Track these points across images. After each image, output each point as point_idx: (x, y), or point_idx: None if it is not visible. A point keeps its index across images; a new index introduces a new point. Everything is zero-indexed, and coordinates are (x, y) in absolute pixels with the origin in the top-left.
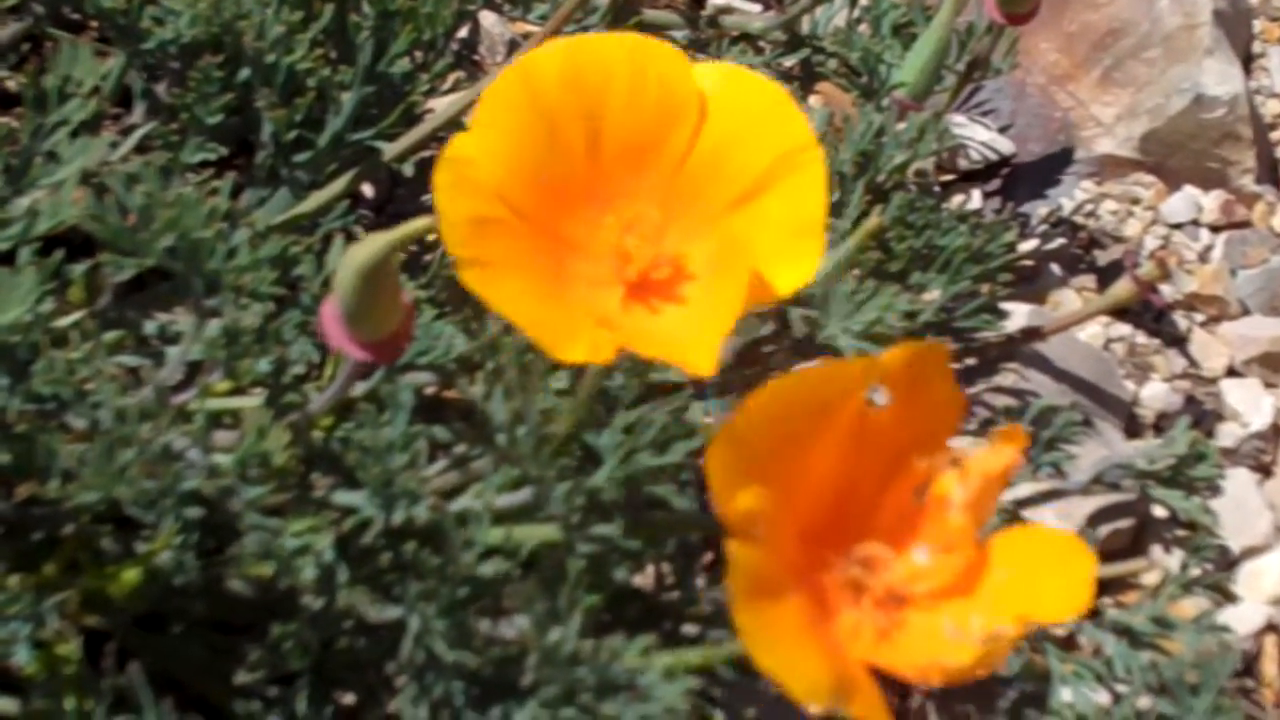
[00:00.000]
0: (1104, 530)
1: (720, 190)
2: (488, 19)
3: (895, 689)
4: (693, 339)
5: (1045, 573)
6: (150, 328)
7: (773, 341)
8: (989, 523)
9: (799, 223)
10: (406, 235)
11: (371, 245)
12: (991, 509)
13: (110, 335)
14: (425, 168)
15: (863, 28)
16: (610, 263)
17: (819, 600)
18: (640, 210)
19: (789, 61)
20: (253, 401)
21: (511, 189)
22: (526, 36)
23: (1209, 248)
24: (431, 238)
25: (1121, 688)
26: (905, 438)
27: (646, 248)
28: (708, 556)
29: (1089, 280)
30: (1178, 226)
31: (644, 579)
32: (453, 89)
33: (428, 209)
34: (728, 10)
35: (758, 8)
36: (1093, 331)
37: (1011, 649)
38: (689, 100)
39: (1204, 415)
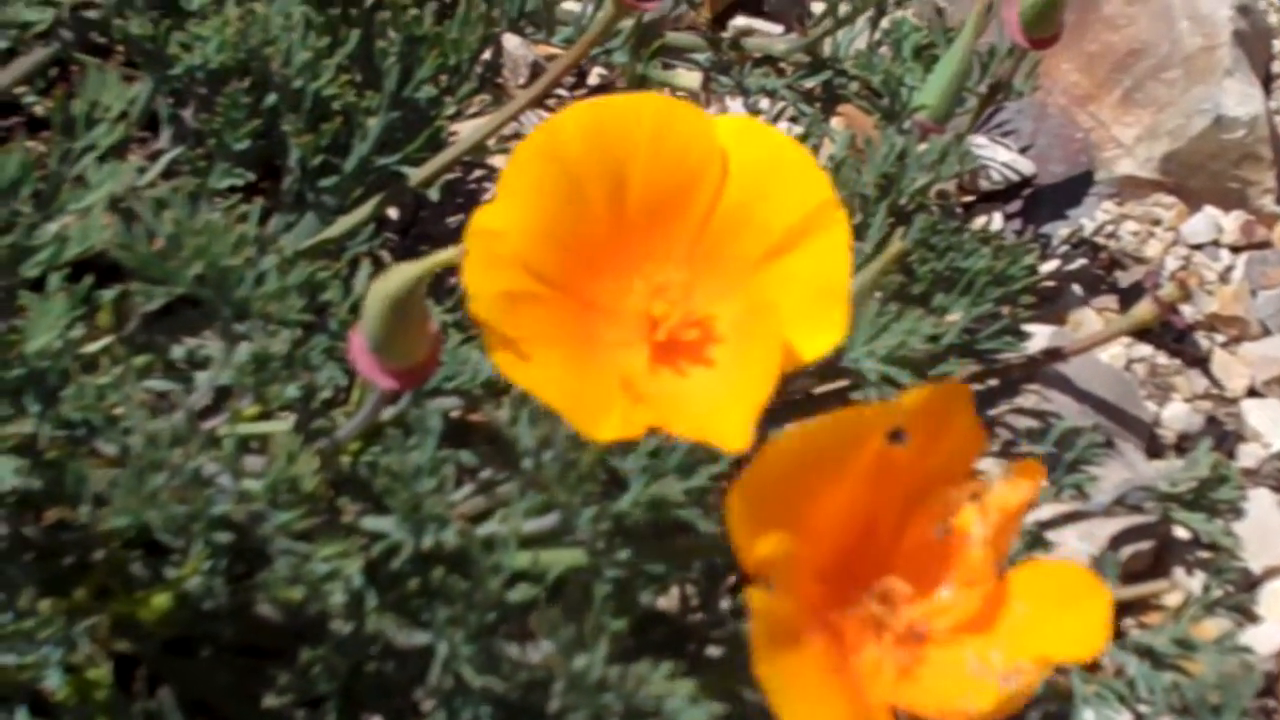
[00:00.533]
0: (1126, 552)
1: (744, 249)
2: (511, 41)
3: None
4: (725, 412)
5: (1063, 610)
6: (178, 353)
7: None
8: (1010, 551)
9: (824, 285)
10: (434, 265)
11: (400, 275)
12: (1011, 543)
13: (139, 360)
14: (449, 190)
15: (884, 50)
16: (638, 326)
17: (839, 639)
18: (667, 273)
19: (811, 84)
20: (282, 426)
21: (538, 257)
22: (550, 59)
23: (1229, 268)
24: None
25: (1144, 709)
26: (924, 474)
27: (674, 310)
28: (732, 578)
29: (1110, 301)
30: (1198, 247)
31: (668, 601)
32: (478, 113)
33: (453, 231)
34: (749, 32)
35: (779, 29)
36: (1114, 352)
37: (1032, 691)
38: (711, 158)
39: (1225, 436)
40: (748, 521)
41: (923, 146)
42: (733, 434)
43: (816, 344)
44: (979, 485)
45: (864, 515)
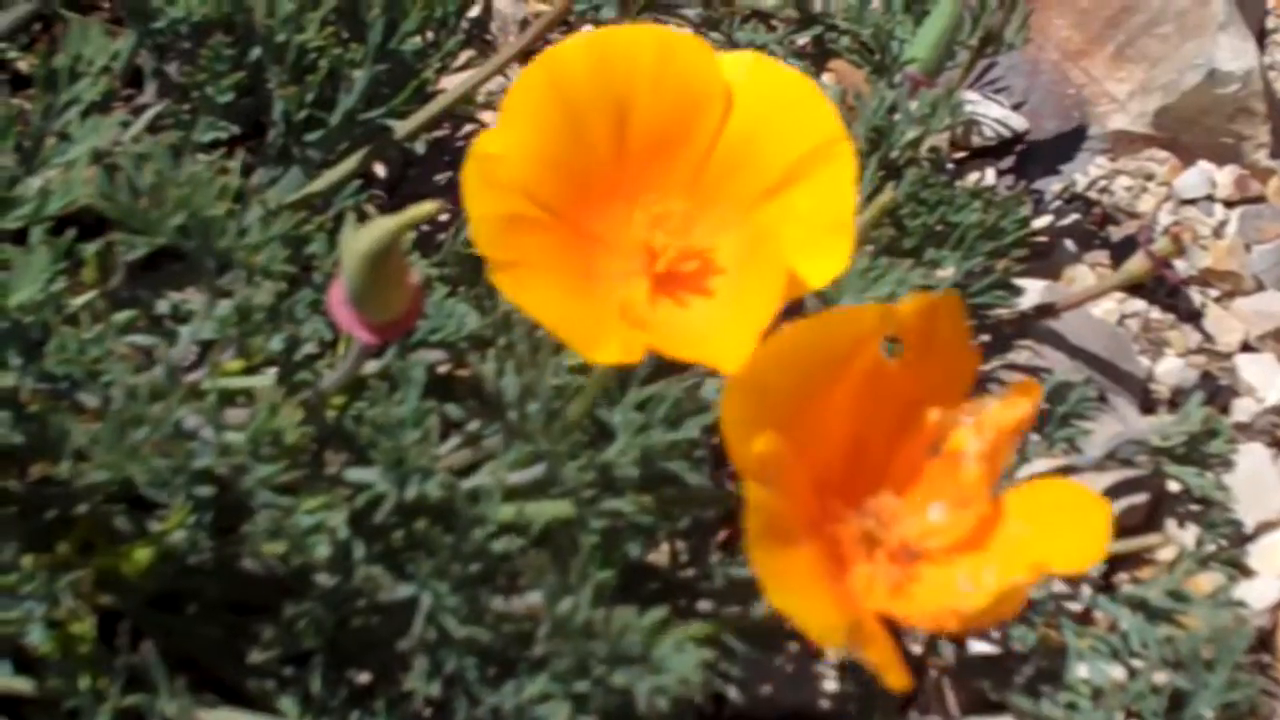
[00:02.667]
0: (1119, 506)
1: (748, 183)
2: None
3: (910, 666)
4: (724, 336)
5: (1060, 524)
6: (162, 307)
7: (785, 317)
8: (1003, 482)
9: (830, 216)
10: (412, 219)
11: (377, 229)
12: (1006, 463)
13: (122, 315)
14: (437, 146)
15: (874, 4)
16: (637, 257)
17: (833, 552)
18: (667, 204)
19: (801, 39)
20: (265, 380)
21: (538, 185)
22: (538, 15)
23: (1223, 223)
24: (443, 217)
25: (1137, 663)
26: (919, 390)
27: (674, 242)
28: (722, 534)
29: (1103, 256)
30: (1192, 202)
31: (658, 556)
32: (464, 67)
33: (440, 189)
34: None
35: None
36: (1107, 308)
37: (1025, 598)
38: (715, 91)
39: (1219, 391)
40: (743, 419)
41: (914, 101)
42: (732, 357)
43: (820, 272)
44: (974, 404)
45: (859, 430)
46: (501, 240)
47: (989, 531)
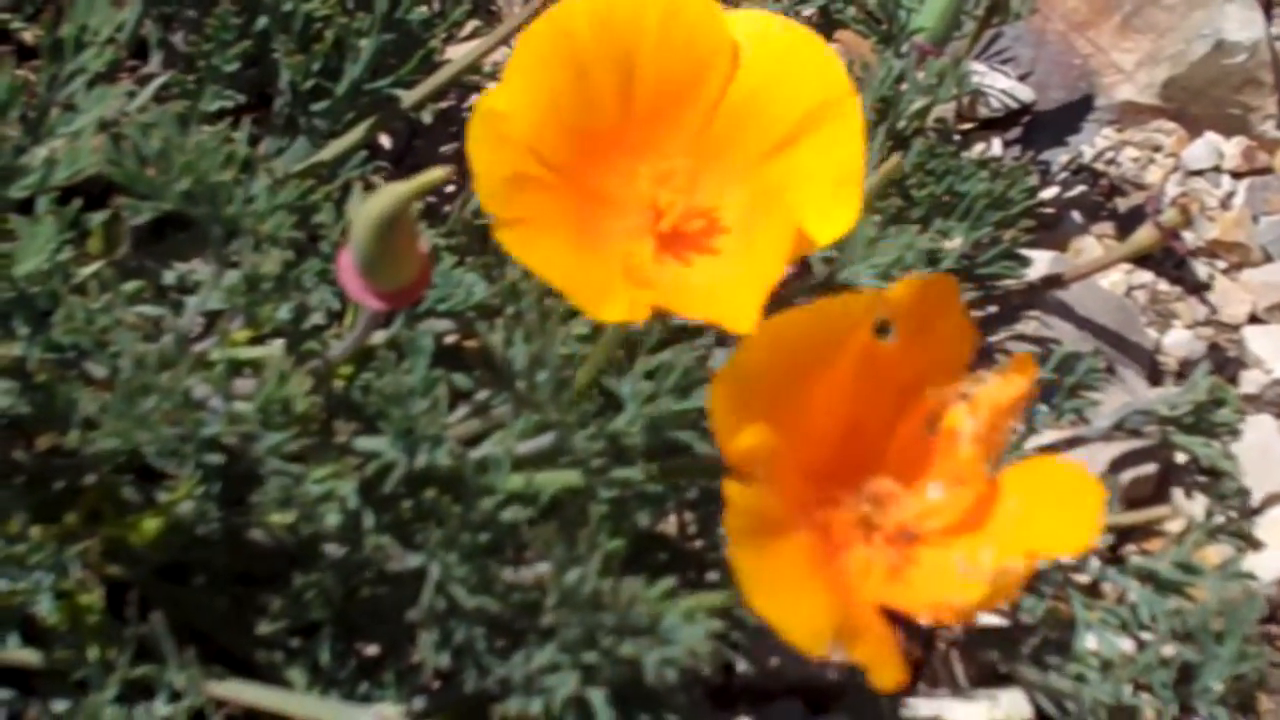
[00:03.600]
0: (1127, 476)
1: (754, 140)
2: None
3: (919, 638)
4: (732, 294)
5: (1055, 506)
6: (169, 277)
7: (792, 284)
8: (1003, 457)
9: (837, 172)
10: (421, 186)
11: (386, 196)
12: (1003, 441)
13: (129, 285)
14: (443, 117)
15: None
16: (643, 215)
17: (828, 538)
18: (673, 162)
19: (808, 10)
20: (273, 350)
21: (544, 142)
22: None
23: (1230, 194)
24: (450, 187)
25: (1146, 635)
26: (914, 371)
27: (679, 199)
28: None
29: (1110, 228)
30: (1199, 173)
31: (667, 527)
32: (471, 37)
33: (446, 159)
34: None
35: None
36: (1114, 279)
37: (1020, 584)
38: (721, 47)
39: (1227, 362)
40: (731, 411)
41: (920, 71)
42: (741, 314)
43: (829, 228)
44: (970, 383)
45: (852, 413)
46: (507, 197)
47: (986, 511)
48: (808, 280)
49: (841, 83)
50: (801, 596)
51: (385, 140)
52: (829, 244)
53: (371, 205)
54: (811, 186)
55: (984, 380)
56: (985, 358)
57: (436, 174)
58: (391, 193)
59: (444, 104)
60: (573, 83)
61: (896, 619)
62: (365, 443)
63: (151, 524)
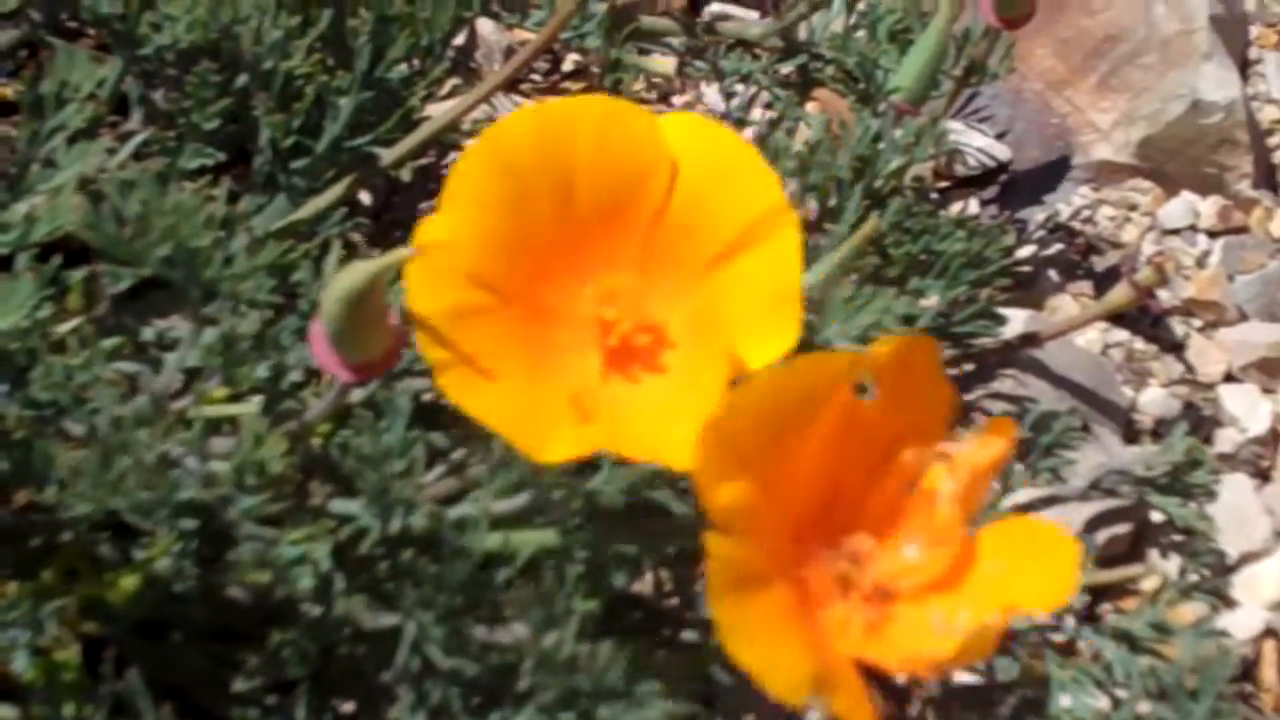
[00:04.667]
0: (1102, 536)
1: (695, 252)
2: (485, 26)
3: (894, 696)
4: (672, 430)
5: (1031, 564)
6: (148, 334)
7: None
8: (980, 516)
9: (775, 290)
10: (391, 264)
11: (356, 273)
12: (981, 502)
13: (108, 342)
14: (422, 173)
15: (860, 34)
16: (589, 331)
17: (805, 594)
18: (617, 278)
19: (786, 68)
20: (250, 408)
21: (486, 266)
22: (523, 43)
23: (1206, 253)
24: None
25: (1121, 693)
26: (894, 430)
27: (625, 317)
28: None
29: (1086, 286)
30: (1175, 232)
31: (643, 586)
32: (450, 94)
33: (424, 215)
34: (724, 17)
35: (754, 14)
36: (1090, 337)
37: (996, 641)
38: (658, 160)
39: (1202, 421)
40: (713, 467)
41: (898, 130)
42: (677, 452)
43: (767, 350)
44: (949, 444)
45: (832, 470)
46: (449, 335)
47: (963, 571)
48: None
49: (775, 196)
50: (780, 647)
51: (365, 196)
52: (764, 366)
53: (341, 281)
54: (749, 305)
55: (963, 441)
56: (962, 416)
57: (405, 253)
58: (361, 270)
59: (423, 160)
60: (511, 203)
61: (873, 678)
62: (340, 506)
63: (128, 581)
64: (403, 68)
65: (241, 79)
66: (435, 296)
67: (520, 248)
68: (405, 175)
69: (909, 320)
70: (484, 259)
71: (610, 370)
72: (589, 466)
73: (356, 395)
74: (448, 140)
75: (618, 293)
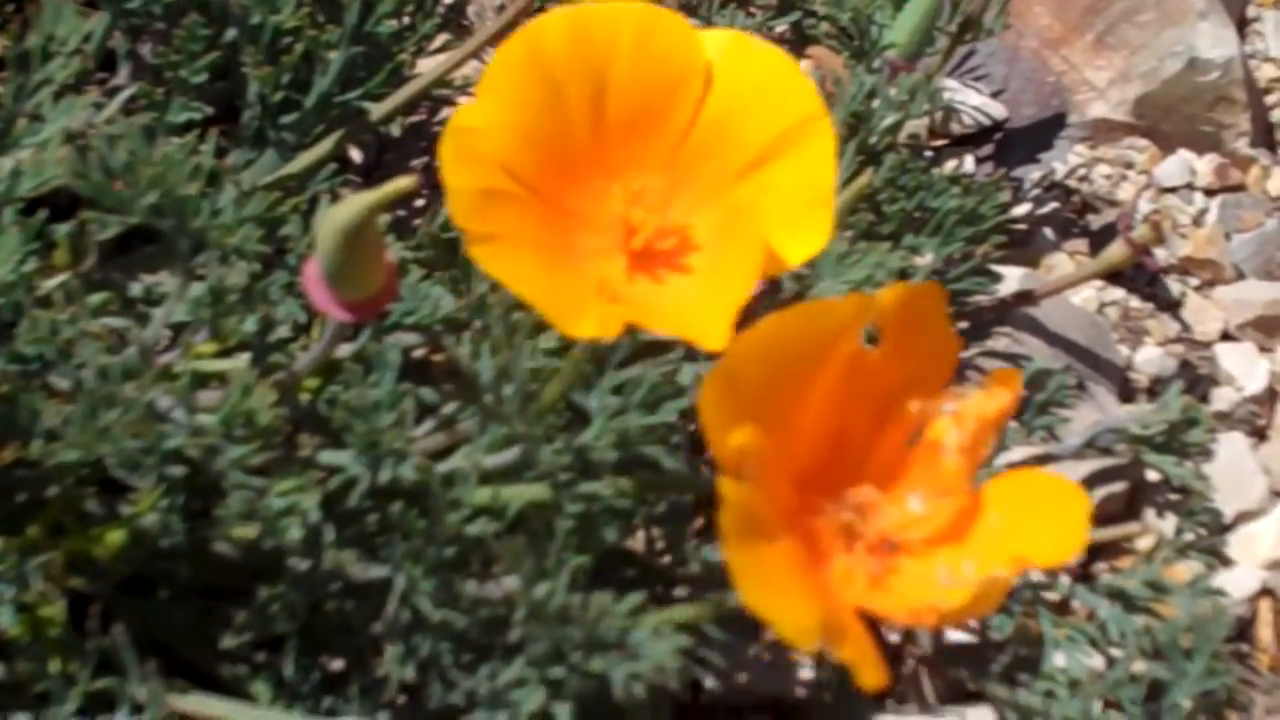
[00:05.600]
0: (1098, 494)
1: (726, 160)
2: None
3: (887, 653)
4: (703, 312)
5: (1039, 516)
6: (135, 290)
7: (762, 301)
8: (983, 472)
9: (809, 192)
10: (387, 195)
11: (352, 205)
12: (986, 453)
13: (95, 297)
14: (413, 130)
15: None
16: (615, 233)
17: (811, 545)
18: (645, 180)
19: (780, 25)
20: (238, 363)
21: (516, 159)
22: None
23: (1203, 211)
24: (419, 201)
25: (1115, 652)
26: (899, 380)
27: (652, 218)
28: (699, 520)
29: (1082, 245)
30: (1172, 190)
31: (635, 542)
32: (441, 50)
33: (416, 172)
34: None
35: None
36: (1086, 295)
37: (1006, 592)
38: (694, 68)
39: (1198, 380)
40: (721, 411)
41: (892, 87)
42: (711, 332)
43: (800, 248)
44: (955, 394)
45: (837, 420)
46: (479, 213)
47: (969, 523)
48: (777, 297)
49: (814, 103)
50: (791, 594)
51: (355, 154)
52: (800, 263)
53: (337, 214)
54: (783, 206)
55: (967, 393)
56: (957, 373)
57: (403, 183)
58: (358, 202)
59: (414, 118)
60: (546, 100)
61: (872, 623)
62: (329, 456)
63: (115, 537)
64: (392, 23)
65: (230, 33)
66: (468, 175)
67: (551, 145)
68: (395, 131)
69: (903, 275)
70: (515, 152)
71: (635, 271)
72: (579, 421)
73: (345, 349)
74: (438, 96)
75: (645, 194)
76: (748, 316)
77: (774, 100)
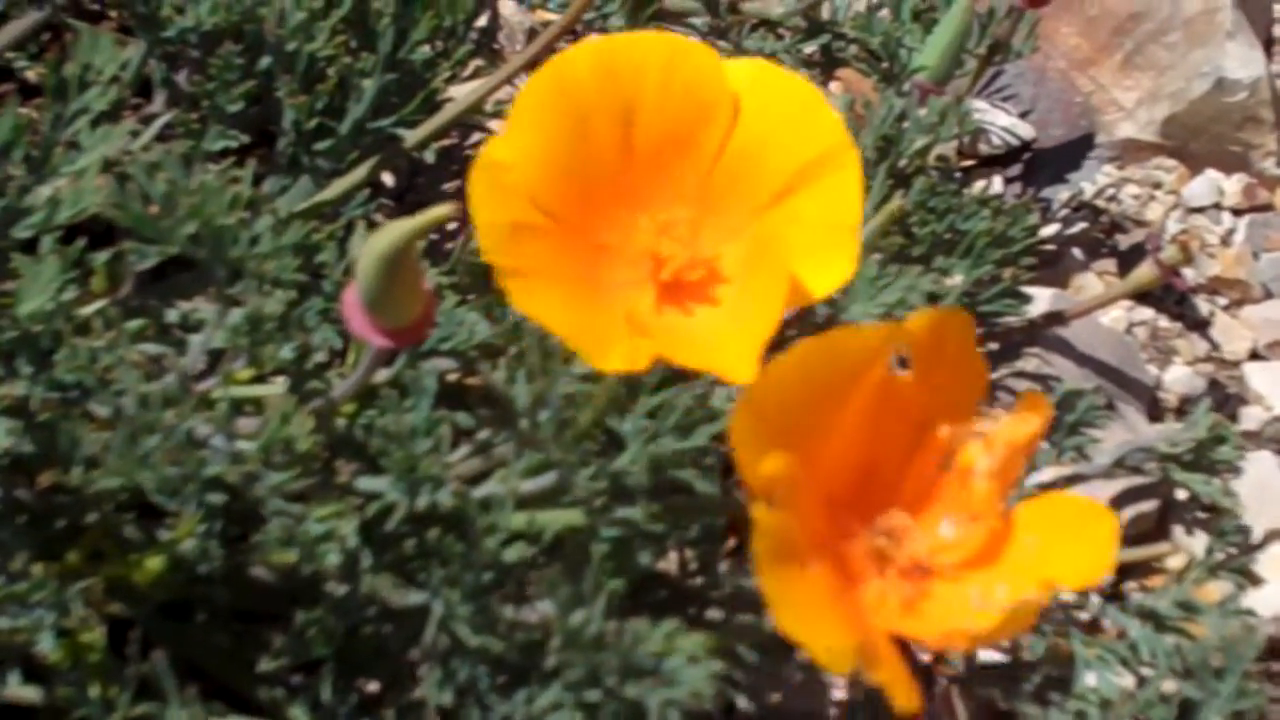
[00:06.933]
0: (1128, 513)
1: (753, 190)
2: (507, 7)
3: (921, 675)
4: (731, 344)
5: (1069, 539)
6: (173, 316)
7: (794, 325)
8: (1014, 494)
9: (835, 223)
10: (427, 223)
11: (392, 232)
12: (1017, 477)
13: (133, 323)
14: (445, 154)
15: (883, 13)
16: (644, 265)
17: (843, 569)
18: (674, 212)
19: (809, 48)
20: (275, 389)
21: (545, 192)
22: (546, 24)
23: (1231, 231)
24: (453, 225)
25: (1146, 671)
26: (929, 406)
27: (680, 250)
28: (731, 542)
29: (1111, 265)
30: (1200, 210)
31: (668, 564)
32: (473, 76)
33: (448, 197)
34: None
35: None
36: (1115, 315)
37: (1036, 616)
38: (721, 99)
39: (1227, 399)
40: (752, 439)
41: (922, 109)
42: (738, 365)
43: (826, 280)
44: (984, 420)
45: (868, 445)
46: (508, 247)
47: (1000, 546)
48: (810, 321)
49: (840, 133)
50: (824, 618)
51: (387, 177)
52: (826, 295)
53: (376, 242)
54: (810, 237)
55: (997, 418)
56: (988, 394)
57: (441, 211)
58: (397, 229)
59: (446, 141)
60: (574, 132)
61: (904, 647)
62: (367, 483)
63: (153, 562)
64: (426, 49)
65: (265, 61)
66: (498, 209)
67: (580, 177)
68: (429, 156)
69: (934, 298)
70: (544, 185)
71: (664, 303)
72: (613, 446)
73: (381, 375)
74: (470, 121)
75: (674, 225)
76: (779, 339)
77: (800, 130)
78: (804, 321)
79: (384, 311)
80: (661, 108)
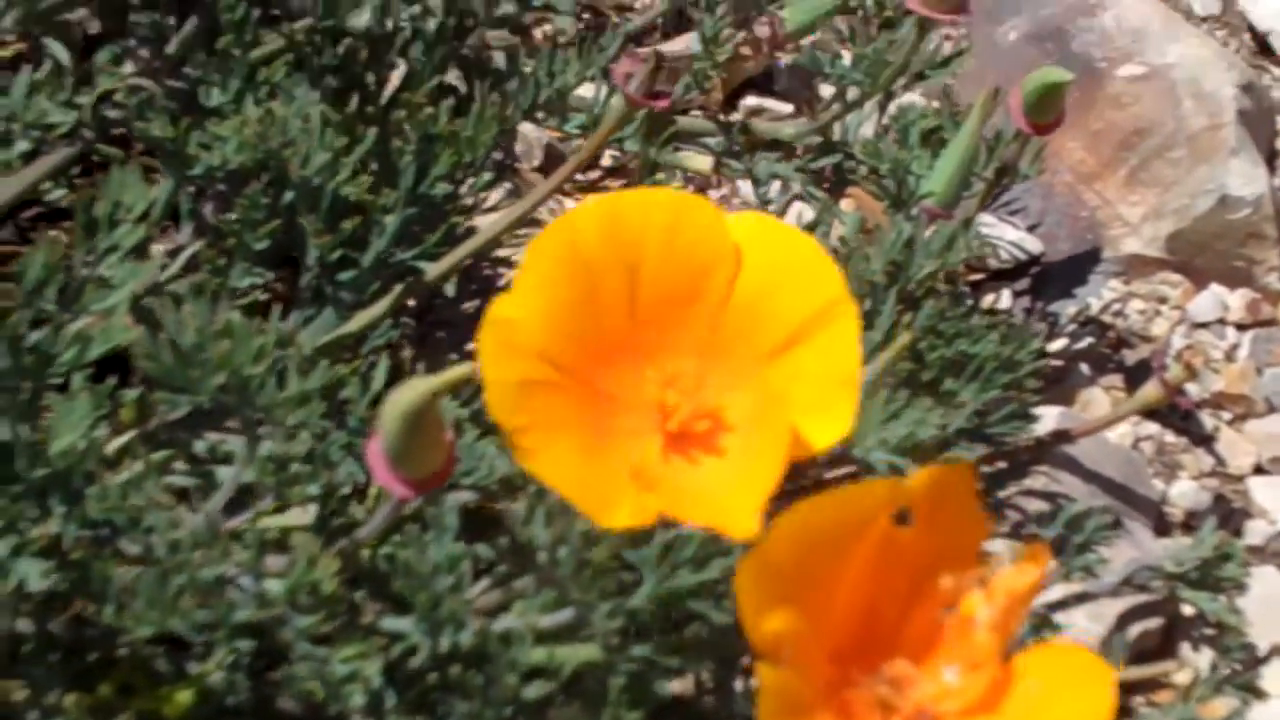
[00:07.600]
0: (1134, 630)
1: (756, 341)
2: (524, 125)
3: None
4: (732, 500)
5: (1068, 691)
6: (200, 447)
7: (804, 463)
8: (1017, 634)
9: (834, 377)
10: (448, 382)
11: (414, 390)
12: (1018, 626)
13: (159, 454)
14: (466, 278)
15: (891, 136)
16: (650, 415)
17: (847, 717)
18: (679, 363)
19: (821, 163)
20: (302, 517)
21: (553, 347)
22: (563, 139)
23: (1235, 346)
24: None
25: None
26: (931, 556)
27: (686, 401)
28: (745, 660)
29: (1117, 380)
30: (1204, 325)
31: (684, 685)
32: (494, 207)
33: (468, 317)
34: (759, 111)
35: (789, 106)
36: (1121, 430)
37: None
38: (724, 252)
39: (1232, 514)
40: (757, 598)
41: (930, 232)
42: (741, 522)
43: (825, 434)
44: (986, 569)
45: (872, 597)
46: (517, 406)
47: (1000, 695)
48: (819, 458)
49: (838, 287)
50: None
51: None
52: (825, 449)
53: (399, 399)
54: (810, 391)
55: (999, 566)
56: (994, 514)
57: (462, 371)
58: (419, 387)
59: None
60: (582, 288)
61: None
62: (391, 624)
63: (183, 696)
64: (446, 184)
65: (289, 196)
66: (506, 368)
67: (587, 332)
68: (449, 288)
69: (944, 426)
70: (552, 340)
71: (670, 452)
72: (626, 569)
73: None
74: (490, 253)
75: (680, 377)
76: (795, 474)
77: (800, 284)
78: (812, 459)
79: (406, 464)
80: (666, 264)
